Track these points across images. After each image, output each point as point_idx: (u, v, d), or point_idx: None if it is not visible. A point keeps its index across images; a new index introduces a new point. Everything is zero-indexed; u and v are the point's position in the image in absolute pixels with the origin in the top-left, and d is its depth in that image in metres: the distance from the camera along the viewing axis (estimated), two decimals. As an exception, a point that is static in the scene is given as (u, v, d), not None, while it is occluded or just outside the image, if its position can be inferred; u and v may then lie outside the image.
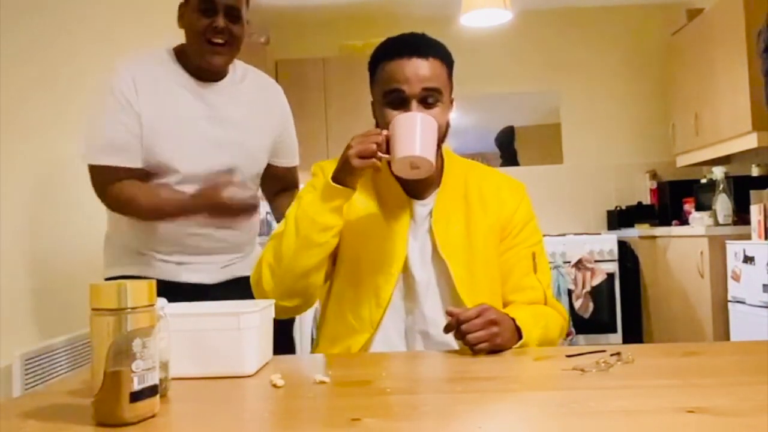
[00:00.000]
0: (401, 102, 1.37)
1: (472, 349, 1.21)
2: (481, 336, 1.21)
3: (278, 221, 2.10)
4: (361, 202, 1.45)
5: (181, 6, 1.79)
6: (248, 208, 1.75)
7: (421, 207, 1.46)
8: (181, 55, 1.80)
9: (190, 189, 1.72)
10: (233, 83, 1.85)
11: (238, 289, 1.74)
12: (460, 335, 1.22)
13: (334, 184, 1.32)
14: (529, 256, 1.48)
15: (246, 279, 1.94)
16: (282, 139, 1.98)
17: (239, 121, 1.83)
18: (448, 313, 1.26)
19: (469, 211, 1.47)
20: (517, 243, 1.49)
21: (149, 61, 1.78)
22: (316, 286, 1.42)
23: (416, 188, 1.46)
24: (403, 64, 1.37)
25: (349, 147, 1.30)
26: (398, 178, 1.43)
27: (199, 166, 1.76)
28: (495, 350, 1.23)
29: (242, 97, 1.86)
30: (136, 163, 1.72)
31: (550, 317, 1.44)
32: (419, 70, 1.36)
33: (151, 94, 1.73)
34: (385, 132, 1.31)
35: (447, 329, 1.25)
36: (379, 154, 1.28)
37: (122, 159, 1.71)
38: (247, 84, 1.89)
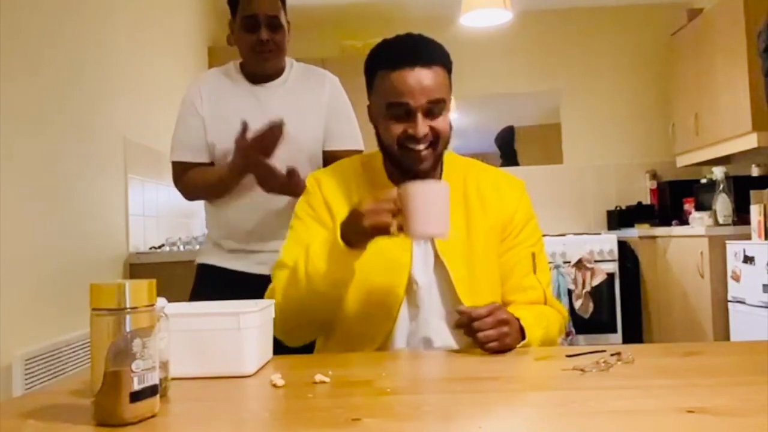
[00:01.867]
0: (406, 114, 1.34)
1: (481, 347, 1.21)
2: (491, 335, 1.21)
3: None
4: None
5: (230, 23, 2.01)
6: (292, 173, 1.82)
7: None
8: (241, 64, 2.04)
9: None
10: (284, 81, 2.04)
11: None
12: (471, 332, 1.22)
13: (345, 246, 1.26)
14: (528, 256, 1.48)
15: None
16: (330, 125, 2.03)
17: (287, 114, 1.90)
18: (459, 312, 1.25)
19: (468, 212, 1.45)
20: (518, 243, 1.48)
21: (216, 73, 2.06)
22: (323, 326, 1.43)
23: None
24: (405, 75, 1.32)
25: (360, 215, 1.23)
26: (395, 182, 1.40)
27: None
28: (502, 350, 1.23)
29: (290, 92, 2.02)
30: (201, 158, 1.97)
31: (551, 317, 1.44)
32: (423, 81, 1.32)
33: (213, 100, 1.98)
34: (394, 192, 1.23)
35: (457, 325, 1.25)
36: (393, 223, 1.22)
37: (188, 155, 1.98)
38: (293, 78, 2.05)
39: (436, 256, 1.42)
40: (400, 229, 1.22)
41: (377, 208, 1.22)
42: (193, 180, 1.98)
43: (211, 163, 1.97)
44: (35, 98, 2.34)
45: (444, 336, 1.40)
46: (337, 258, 1.27)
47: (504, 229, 1.47)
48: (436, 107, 1.34)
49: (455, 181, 1.45)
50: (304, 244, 1.39)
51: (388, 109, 1.35)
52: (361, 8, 5.08)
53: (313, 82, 2.05)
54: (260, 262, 1.94)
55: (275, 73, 2.02)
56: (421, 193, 1.22)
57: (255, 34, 1.92)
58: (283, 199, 1.90)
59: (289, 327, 1.35)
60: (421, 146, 1.35)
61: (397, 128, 1.34)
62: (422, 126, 1.33)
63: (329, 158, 2.01)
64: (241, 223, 1.96)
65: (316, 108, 2.01)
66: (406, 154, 1.37)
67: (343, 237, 1.26)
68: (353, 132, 2.07)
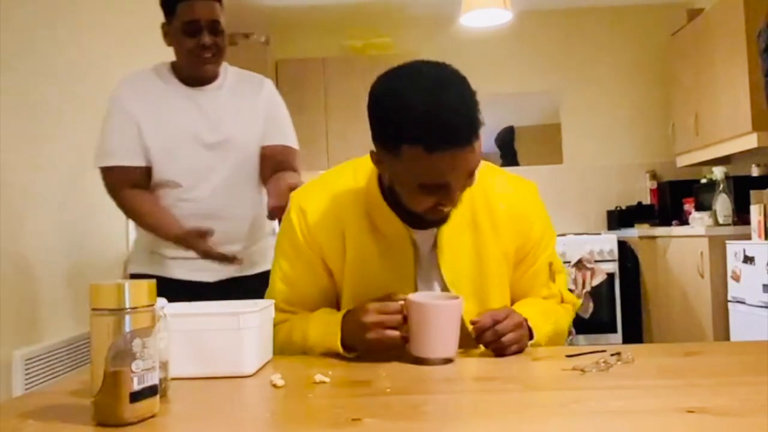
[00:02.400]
0: (439, 189, 1.16)
1: (499, 351, 1.20)
2: (513, 338, 1.20)
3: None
4: (356, 239, 1.30)
5: (163, 25, 1.95)
6: (229, 260, 1.88)
7: (423, 237, 1.31)
8: (175, 66, 1.99)
9: (186, 191, 1.92)
10: (221, 85, 2.01)
11: (237, 288, 1.82)
12: (493, 335, 1.19)
13: (343, 351, 1.21)
14: (545, 268, 1.41)
15: (245, 279, 1.99)
16: (268, 127, 2.05)
17: (227, 118, 1.98)
18: (473, 323, 1.21)
19: (478, 237, 1.32)
20: (534, 261, 1.39)
21: (147, 74, 1.99)
22: None
23: (417, 218, 1.27)
24: (445, 159, 1.11)
25: (364, 327, 1.17)
26: (398, 212, 1.28)
27: (191, 163, 1.92)
28: (518, 352, 1.22)
29: (228, 96, 2.00)
30: (138, 162, 1.90)
31: (560, 311, 1.41)
32: (464, 162, 1.13)
33: (148, 101, 1.93)
34: (400, 305, 1.17)
35: (480, 327, 1.20)
36: (399, 337, 1.17)
37: (125, 159, 1.90)
38: (229, 82, 2.03)
39: (444, 288, 1.32)
40: (405, 340, 1.17)
41: (383, 322, 1.17)
42: (135, 207, 1.93)
43: (147, 168, 1.91)
44: (35, 97, 2.34)
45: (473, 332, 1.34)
46: (336, 348, 1.22)
47: (518, 252, 1.36)
48: (472, 177, 1.19)
49: (462, 205, 1.27)
50: (293, 285, 1.34)
51: (420, 187, 1.16)
52: (361, 8, 5.07)
53: (250, 87, 2.05)
54: (201, 268, 1.94)
55: (212, 77, 1.99)
56: (430, 314, 1.15)
57: (196, 38, 1.88)
58: (227, 205, 1.95)
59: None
60: (449, 208, 1.23)
61: (428, 201, 1.19)
62: (457, 199, 1.20)
63: (267, 153, 2.05)
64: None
65: (255, 112, 2.02)
66: (431, 215, 1.24)
67: (343, 334, 1.21)
68: (290, 133, 2.10)
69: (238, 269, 1.99)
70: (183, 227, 1.86)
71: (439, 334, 1.15)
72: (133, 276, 2.00)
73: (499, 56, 5.32)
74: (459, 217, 1.30)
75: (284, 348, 1.30)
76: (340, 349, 1.21)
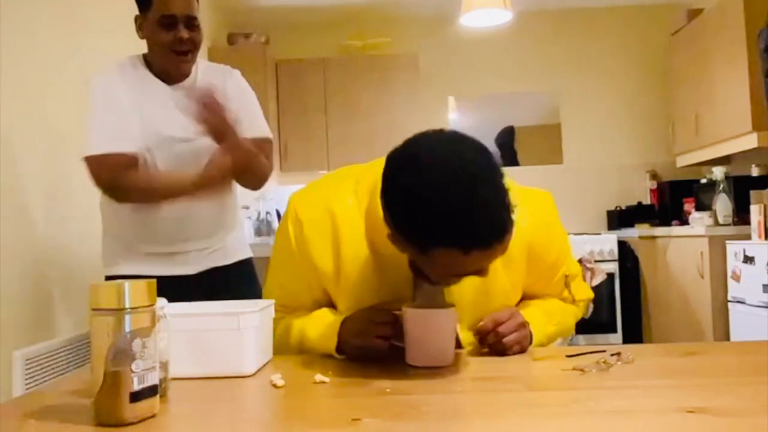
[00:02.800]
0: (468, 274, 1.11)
1: (502, 352, 1.20)
2: (515, 339, 1.21)
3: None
4: (352, 259, 1.26)
5: (137, 18, 1.91)
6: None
7: None
8: (147, 60, 1.95)
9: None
10: (193, 81, 1.98)
11: (218, 279, 1.93)
12: (495, 337, 1.20)
13: (336, 354, 1.22)
14: (561, 281, 1.38)
15: (225, 269, 2.00)
16: (239, 115, 2.01)
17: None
18: (478, 329, 1.22)
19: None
20: (549, 281, 1.37)
21: (125, 68, 1.93)
22: None
23: None
24: (481, 256, 1.04)
25: (352, 332, 1.19)
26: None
27: (168, 157, 1.89)
28: (521, 352, 1.22)
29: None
30: (134, 148, 1.83)
31: (565, 310, 1.41)
32: (498, 254, 1.07)
33: (131, 96, 1.88)
34: (393, 317, 1.17)
35: (482, 331, 1.21)
36: (392, 343, 1.16)
37: (123, 145, 1.81)
38: (200, 77, 2.00)
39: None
40: (395, 349, 1.17)
41: (371, 329, 1.17)
42: (148, 179, 1.85)
43: (135, 157, 1.85)
44: (35, 95, 2.34)
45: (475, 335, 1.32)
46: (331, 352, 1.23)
47: (530, 274, 1.32)
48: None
49: None
50: (289, 291, 1.34)
51: (432, 270, 1.11)
52: (362, 8, 5.07)
53: (217, 78, 2.01)
54: (180, 262, 1.95)
55: (187, 74, 1.96)
56: (426, 324, 1.15)
57: (173, 33, 1.85)
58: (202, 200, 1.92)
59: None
60: None
61: (454, 281, 1.17)
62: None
63: None
64: (161, 224, 1.91)
65: (225, 103, 1.98)
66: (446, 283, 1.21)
67: (340, 339, 1.21)
68: (262, 123, 2.05)
69: (218, 259, 2.01)
70: (197, 172, 1.79)
71: (433, 342, 1.16)
72: (109, 278, 1.94)
73: (499, 56, 5.32)
74: None
75: (279, 346, 1.29)
76: (336, 354, 1.22)
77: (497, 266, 1.22)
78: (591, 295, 1.48)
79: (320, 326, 1.27)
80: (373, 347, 1.17)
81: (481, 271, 1.09)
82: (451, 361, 1.17)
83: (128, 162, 1.82)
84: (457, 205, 1.00)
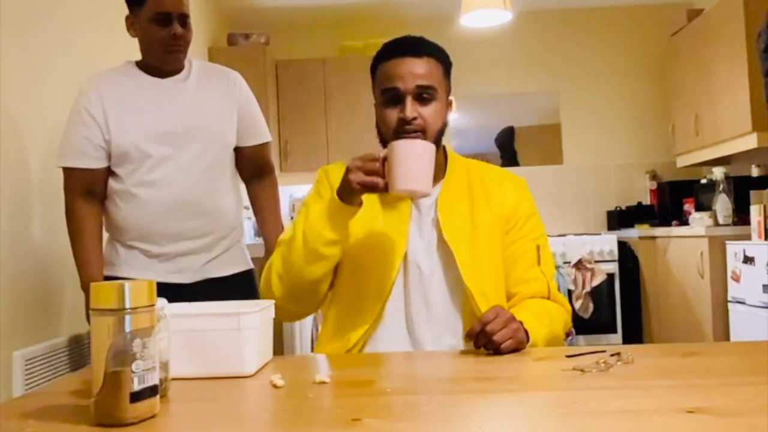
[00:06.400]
0: (397, 99, 1.41)
1: (498, 349, 1.21)
2: (506, 333, 1.22)
3: (256, 212, 2.20)
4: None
5: (128, 17, 1.97)
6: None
7: (425, 198, 1.47)
8: (139, 63, 2.02)
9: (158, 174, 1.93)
10: (187, 77, 2.03)
11: (213, 290, 1.93)
12: (485, 337, 1.22)
13: (339, 201, 1.33)
14: (533, 249, 1.51)
15: (220, 280, 2.01)
16: (243, 123, 2.08)
17: (198, 107, 2.00)
18: (468, 334, 1.25)
19: (473, 203, 1.50)
20: (522, 236, 1.51)
21: (111, 75, 2.01)
22: (323, 292, 1.46)
23: None
24: (398, 63, 1.41)
25: (348, 170, 1.31)
26: None
27: (161, 153, 1.93)
28: (516, 348, 1.23)
29: (198, 87, 2.03)
30: (98, 164, 1.94)
31: (555, 314, 1.44)
32: (414, 68, 1.40)
33: (116, 101, 1.94)
34: (382, 153, 1.30)
35: (471, 333, 1.24)
36: (378, 181, 1.28)
37: (80, 162, 1.94)
38: (195, 74, 2.05)
39: (441, 241, 1.45)
40: (386, 187, 1.27)
41: (362, 165, 1.29)
42: (78, 229, 1.98)
43: (108, 168, 1.95)
44: (34, 94, 2.34)
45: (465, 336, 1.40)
46: (335, 213, 1.34)
47: (508, 221, 1.51)
48: (425, 92, 1.40)
49: (459, 174, 1.52)
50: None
51: (382, 95, 1.43)
52: (361, 8, 5.07)
53: (221, 79, 2.08)
54: (176, 270, 1.97)
55: (179, 69, 2.02)
56: (405, 149, 1.28)
57: (167, 29, 1.91)
58: (203, 196, 1.96)
59: (292, 292, 1.41)
60: (412, 134, 1.39)
61: (392, 115, 1.41)
62: (411, 109, 1.39)
63: (247, 154, 2.11)
64: (155, 224, 1.95)
65: (229, 104, 2.05)
66: (402, 133, 1.40)
67: (339, 195, 1.33)
68: (264, 128, 2.15)
69: (214, 270, 2.02)
70: (97, 280, 1.85)
71: (413, 167, 1.26)
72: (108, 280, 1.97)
73: (499, 56, 5.32)
74: (456, 183, 1.50)
75: (287, 256, 1.39)
76: (336, 199, 1.32)
77: (480, 199, 1.49)
78: (567, 305, 1.54)
79: (318, 199, 1.45)
80: (369, 180, 1.27)
81: (401, 91, 1.39)
82: (430, 192, 1.31)
83: (85, 180, 1.95)
84: (394, 39, 1.46)
